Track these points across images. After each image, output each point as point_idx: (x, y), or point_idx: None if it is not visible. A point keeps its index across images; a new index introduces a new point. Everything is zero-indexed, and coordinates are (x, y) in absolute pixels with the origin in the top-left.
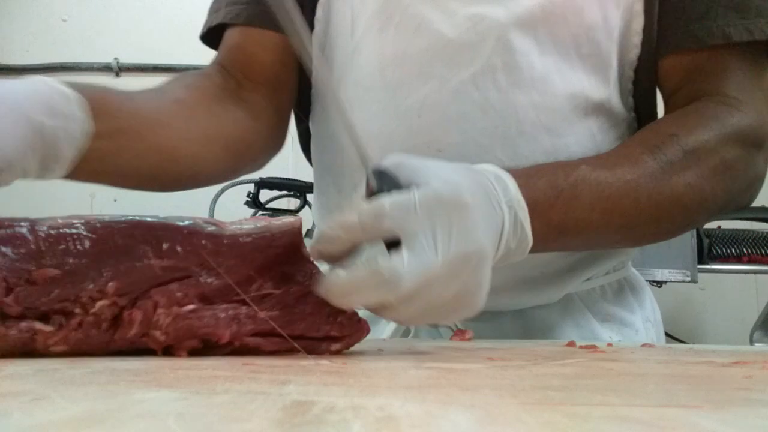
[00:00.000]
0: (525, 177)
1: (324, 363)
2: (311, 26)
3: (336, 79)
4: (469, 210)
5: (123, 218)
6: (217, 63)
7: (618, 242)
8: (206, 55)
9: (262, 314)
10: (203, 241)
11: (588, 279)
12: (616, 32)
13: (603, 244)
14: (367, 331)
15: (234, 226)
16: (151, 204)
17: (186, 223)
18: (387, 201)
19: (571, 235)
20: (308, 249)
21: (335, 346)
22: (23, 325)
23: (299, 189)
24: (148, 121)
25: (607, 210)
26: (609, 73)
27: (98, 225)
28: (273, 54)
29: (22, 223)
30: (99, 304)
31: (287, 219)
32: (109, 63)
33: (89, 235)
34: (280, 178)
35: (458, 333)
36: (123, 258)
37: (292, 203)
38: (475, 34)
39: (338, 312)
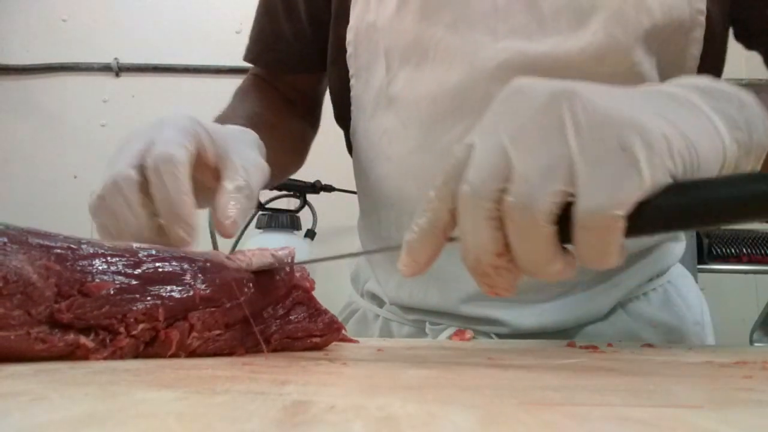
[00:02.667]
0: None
1: (324, 363)
2: (345, 50)
3: (371, 107)
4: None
5: (167, 250)
6: (261, 77)
7: None
8: (206, 56)
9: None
10: (235, 276)
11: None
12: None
13: None
14: (340, 333)
15: (246, 259)
16: None
17: (227, 259)
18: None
19: None
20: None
21: (315, 340)
22: (71, 338)
23: (299, 189)
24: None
25: None
26: None
27: (152, 252)
28: (303, 82)
29: (76, 239)
30: (141, 326)
31: (285, 250)
32: (109, 63)
33: (141, 259)
34: None
35: (458, 333)
36: (167, 285)
37: (292, 203)
38: (509, 70)
39: (318, 315)
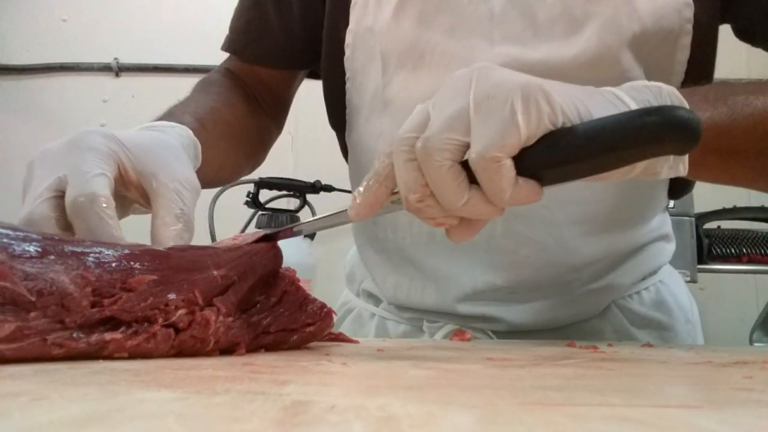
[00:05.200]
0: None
1: (324, 363)
2: (341, 52)
3: (367, 110)
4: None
5: (179, 246)
6: (232, 71)
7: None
8: (206, 56)
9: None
10: (241, 252)
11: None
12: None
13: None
14: (332, 319)
15: (233, 241)
16: None
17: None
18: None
19: (730, 141)
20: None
21: (310, 329)
22: (93, 338)
23: (299, 189)
24: (212, 149)
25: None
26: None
27: (167, 248)
28: (278, 80)
29: (104, 244)
30: (179, 312)
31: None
32: (109, 63)
33: (165, 252)
34: (280, 178)
35: (458, 333)
36: (195, 271)
37: (292, 203)
38: None
39: (307, 303)
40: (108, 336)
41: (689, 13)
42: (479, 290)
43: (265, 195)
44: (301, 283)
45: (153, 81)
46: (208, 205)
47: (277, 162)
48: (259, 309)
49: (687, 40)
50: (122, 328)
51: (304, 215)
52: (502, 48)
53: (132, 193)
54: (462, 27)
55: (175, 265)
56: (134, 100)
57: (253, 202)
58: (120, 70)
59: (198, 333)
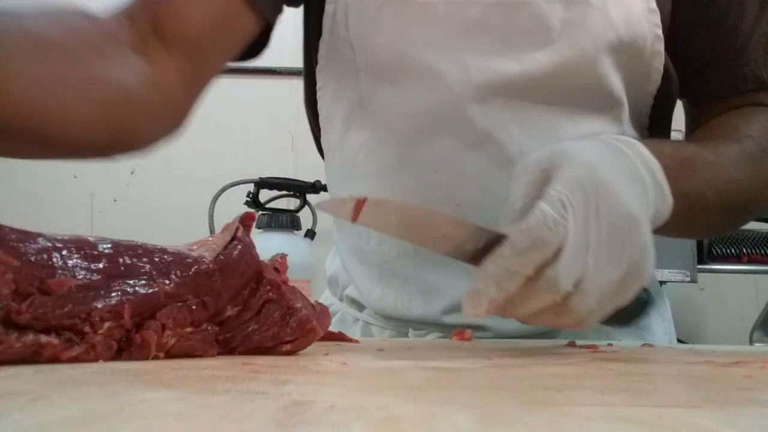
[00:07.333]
0: (650, 143)
1: (324, 363)
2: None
3: (344, 122)
4: (608, 185)
5: (127, 242)
6: (121, 11)
7: (711, 227)
8: None
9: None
10: (198, 269)
11: None
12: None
13: (707, 226)
14: (316, 334)
15: (202, 251)
16: (152, 204)
17: (188, 251)
18: (539, 219)
19: (692, 210)
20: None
21: (287, 347)
22: (29, 338)
23: (299, 189)
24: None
25: (719, 187)
26: (620, 112)
27: (108, 244)
28: (203, 12)
29: (35, 233)
30: (107, 324)
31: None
32: None
33: (102, 252)
34: (280, 178)
35: (458, 333)
36: (131, 280)
37: (292, 203)
38: (485, 89)
39: (290, 315)
40: (43, 339)
41: (656, 19)
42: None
43: (265, 195)
44: (300, 284)
45: None
46: (208, 204)
47: (278, 162)
48: (229, 326)
49: (659, 46)
50: (53, 334)
51: (305, 215)
52: (480, 60)
53: None
54: (439, 40)
55: (109, 269)
56: None
57: (253, 202)
58: None
59: (139, 354)
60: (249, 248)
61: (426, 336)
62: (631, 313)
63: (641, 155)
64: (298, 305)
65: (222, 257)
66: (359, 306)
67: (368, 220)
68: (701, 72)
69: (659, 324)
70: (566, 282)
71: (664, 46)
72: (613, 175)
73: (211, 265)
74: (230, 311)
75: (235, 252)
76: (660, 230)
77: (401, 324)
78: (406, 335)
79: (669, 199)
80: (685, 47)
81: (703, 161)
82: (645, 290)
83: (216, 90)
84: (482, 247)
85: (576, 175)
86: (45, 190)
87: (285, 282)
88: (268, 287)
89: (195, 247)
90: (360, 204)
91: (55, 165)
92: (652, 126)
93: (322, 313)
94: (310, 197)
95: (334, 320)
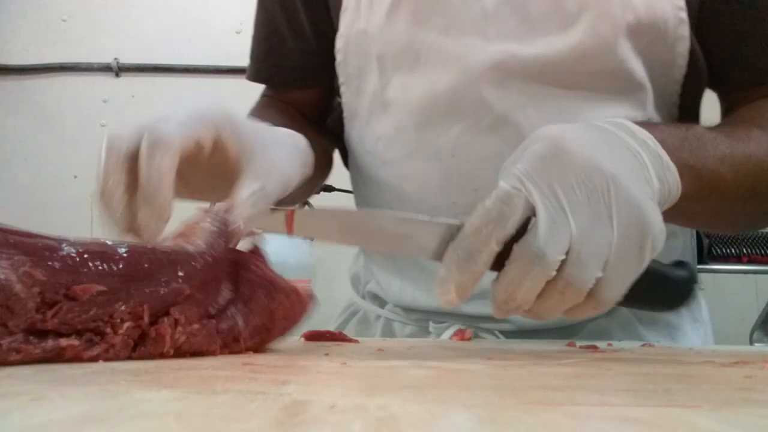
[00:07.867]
0: (647, 124)
1: (324, 363)
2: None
3: (366, 114)
4: (575, 151)
5: (138, 245)
6: (272, 98)
7: (745, 214)
8: (206, 56)
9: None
10: (204, 263)
11: None
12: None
13: (731, 213)
14: (307, 300)
15: (200, 243)
16: None
17: (189, 247)
18: (518, 170)
19: (706, 190)
20: (443, 292)
21: (285, 323)
22: (49, 344)
23: None
24: None
25: (735, 165)
26: (643, 97)
27: (126, 248)
28: (315, 96)
29: (55, 239)
30: (126, 325)
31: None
32: (109, 63)
33: (121, 255)
34: None
35: (458, 333)
36: (148, 281)
37: None
38: (501, 72)
39: (275, 291)
40: (63, 342)
41: (679, 1)
42: (486, 290)
43: None
44: (300, 284)
45: (153, 81)
46: (208, 204)
47: None
48: (228, 315)
49: (683, 30)
50: (74, 335)
51: None
52: (497, 45)
53: (227, 169)
54: (456, 26)
55: (126, 272)
56: (134, 100)
57: None
58: (120, 70)
59: (153, 349)
60: (230, 236)
61: (448, 328)
62: (676, 294)
63: (629, 129)
64: (278, 279)
65: (213, 249)
66: (381, 302)
67: (305, 230)
68: (731, 59)
69: (690, 324)
70: (552, 249)
71: (693, 33)
72: (582, 144)
73: (209, 258)
74: (223, 300)
75: (222, 241)
76: (679, 216)
77: (422, 317)
78: (427, 330)
79: (672, 167)
80: (713, 33)
81: (712, 138)
82: (688, 269)
83: (216, 90)
84: (448, 241)
85: (538, 149)
86: (45, 190)
87: (262, 260)
88: (251, 268)
89: (184, 240)
90: (290, 216)
91: (55, 165)
92: (682, 116)
93: (304, 288)
94: (311, 197)
95: (356, 319)
